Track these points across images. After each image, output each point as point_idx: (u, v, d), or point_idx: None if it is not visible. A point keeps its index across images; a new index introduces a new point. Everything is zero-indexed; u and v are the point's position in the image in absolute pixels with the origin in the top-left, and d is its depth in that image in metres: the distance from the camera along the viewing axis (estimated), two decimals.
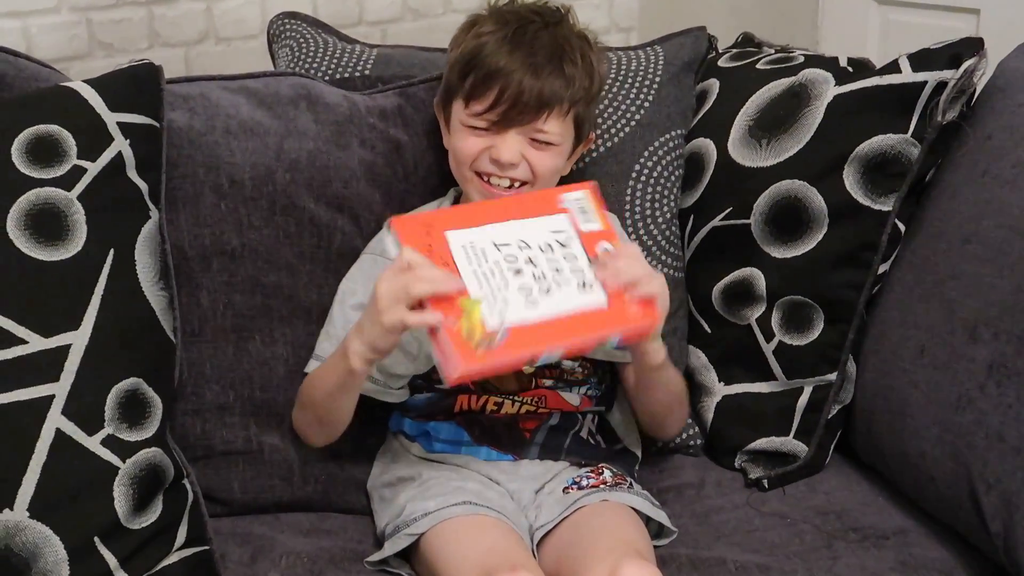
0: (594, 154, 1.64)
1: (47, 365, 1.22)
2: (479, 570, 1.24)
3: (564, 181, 1.57)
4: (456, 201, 1.52)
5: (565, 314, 1.25)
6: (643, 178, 1.64)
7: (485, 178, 1.42)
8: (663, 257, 1.64)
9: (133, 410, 1.27)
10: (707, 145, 1.66)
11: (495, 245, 1.26)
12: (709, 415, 1.63)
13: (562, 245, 1.30)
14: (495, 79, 1.38)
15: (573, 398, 1.48)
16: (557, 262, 1.28)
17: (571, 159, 1.50)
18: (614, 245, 1.31)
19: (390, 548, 1.35)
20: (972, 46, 1.49)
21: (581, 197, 1.34)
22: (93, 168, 1.29)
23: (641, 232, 1.63)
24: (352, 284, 1.48)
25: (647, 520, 1.40)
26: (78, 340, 1.24)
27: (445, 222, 1.26)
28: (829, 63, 1.61)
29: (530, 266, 1.26)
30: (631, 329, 1.30)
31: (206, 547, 1.33)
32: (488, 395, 1.46)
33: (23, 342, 1.21)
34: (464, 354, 1.19)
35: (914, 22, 2.35)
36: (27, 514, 1.18)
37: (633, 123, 1.65)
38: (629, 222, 1.63)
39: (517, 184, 1.42)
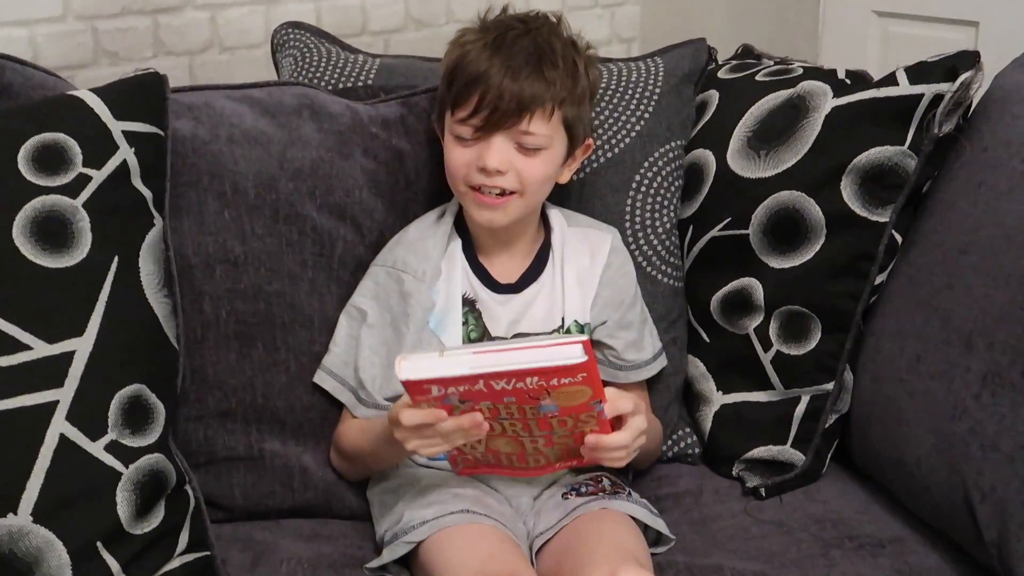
0: (594, 164, 1.65)
1: (51, 371, 1.23)
2: None
3: (564, 192, 1.59)
4: (459, 210, 1.53)
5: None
6: (643, 188, 1.65)
7: (477, 188, 1.44)
8: (663, 267, 1.65)
9: (136, 416, 1.28)
10: (706, 156, 1.67)
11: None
12: (707, 424, 1.64)
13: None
14: (476, 84, 1.39)
15: None
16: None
17: (570, 165, 1.50)
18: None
19: (388, 555, 1.36)
20: (968, 59, 1.50)
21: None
22: (98, 176, 1.30)
23: (641, 242, 1.64)
24: (363, 300, 1.50)
25: (645, 528, 1.41)
26: (82, 346, 1.25)
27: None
28: (827, 75, 1.62)
29: None
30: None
31: (208, 552, 1.34)
32: None
33: (28, 348, 1.22)
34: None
35: (914, 34, 2.36)
36: (30, 519, 1.19)
37: (633, 134, 1.66)
38: (629, 232, 1.64)
39: (508, 193, 1.43)
